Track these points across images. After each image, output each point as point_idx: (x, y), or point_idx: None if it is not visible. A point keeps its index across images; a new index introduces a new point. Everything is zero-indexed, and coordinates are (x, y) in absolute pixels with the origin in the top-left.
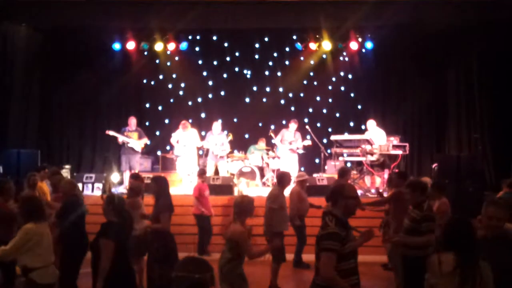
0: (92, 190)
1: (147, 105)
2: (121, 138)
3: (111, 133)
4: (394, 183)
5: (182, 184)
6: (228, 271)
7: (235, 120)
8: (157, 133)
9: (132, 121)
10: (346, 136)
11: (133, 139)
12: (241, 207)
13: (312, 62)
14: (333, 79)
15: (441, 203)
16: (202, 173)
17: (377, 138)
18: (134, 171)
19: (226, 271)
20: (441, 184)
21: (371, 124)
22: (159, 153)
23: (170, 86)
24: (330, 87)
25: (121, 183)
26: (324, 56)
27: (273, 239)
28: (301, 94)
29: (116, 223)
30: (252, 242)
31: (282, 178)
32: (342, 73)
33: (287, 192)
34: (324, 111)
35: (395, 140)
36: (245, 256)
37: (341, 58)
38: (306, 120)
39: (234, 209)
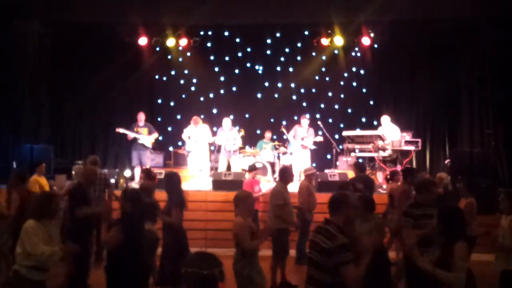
0: None
1: (159, 101)
2: (131, 135)
3: (121, 130)
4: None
5: (194, 179)
6: (238, 271)
7: (246, 116)
8: (169, 128)
9: (141, 117)
10: (358, 132)
11: (143, 134)
12: (238, 202)
13: (324, 57)
14: (345, 74)
15: (468, 203)
16: (252, 168)
17: (391, 134)
18: (145, 167)
19: (236, 271)
20: (472, 183)
21: (386, 119)
22: (171, 148)
23: (182, 81)
24: (342, 83)
25: (132, 178)
26: (336, 51)
27: (278, 236)
28: (313, 90)
29: (133, 214)
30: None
31: (284, 173)
32: (354, 69)
33: (294, 187)
34: (336, 106)
35: (407, 136)
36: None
37: (353, 54)
38: (318, 115)
39: (234, 204)
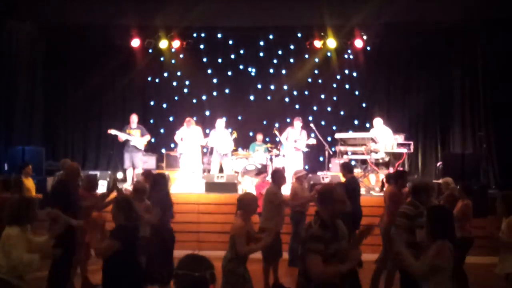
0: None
1: (152, 103)
2: (123, 137)
3: (113, 132)
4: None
5: (186, 181)
6: (229, 271)
7: (239, 118)
8: (162, 130)
9: (133, 119)
10: (350, 134)
11: (135, 137)
12: (242, 204)
13: (316, 60)
14: (338, 77)
15: (464, 205)
16: (262, 171)
17: (383, 136)
18: (137, 169)
19: (227, 271)
20: (468, 186)
21: (378, 122)
22: (163, 150)
23: (174, 83)
24: (334, 85)
25: (124, 180)
26: (328, 54)
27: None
28: (306, 92)
29: (126, 226)
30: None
31: (275, 175)
32: (346, 71)
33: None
34: (329, 109)
35: (399, 138)
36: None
37: (346, 56)
38: (310, 118)
39: (237, 205)
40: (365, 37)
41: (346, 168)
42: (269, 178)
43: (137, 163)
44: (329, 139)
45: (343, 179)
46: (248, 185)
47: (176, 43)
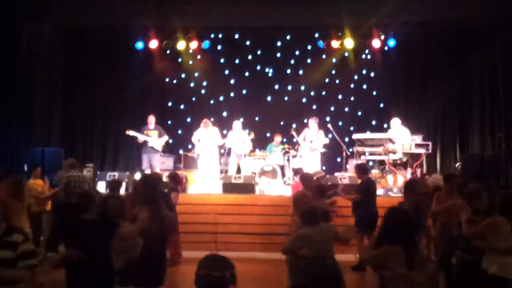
0: None
1: (170, 104)
2: (141, 138)
3: (131, 133)
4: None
5: (204, 182)
6: (303, 271)
7: (256, 118)
8: (179, 131)
9: (151, 120)
10: (368, 135)
11: (153, 137)
12: (294, 202)
13: (334, 60)
14: (355, 77)
15: (451, 204)
16: (298, 172)
17: (401, 136)
18: (155, 170)
19: (301, 269)
20: (464, 184)
21: (396, 122)
22: (181, 151)
23: (192, 84)
24: (352, 85)
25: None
26: (346, 54)
27: None
28: (323, 93)
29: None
30: None
31: (304, 180)
32: (364, 71)
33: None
34: (346, 109)
35: (418, 139)
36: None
37: (364, 56)
38: (328, 118)
39: (293, 207)
40: (383, 37)
41: (361, 169)
42: (272, 179)
43: (155, 164)
44: (346, 139)
45: (358, 181)
46: (265, 186)
47: (194, 44)
